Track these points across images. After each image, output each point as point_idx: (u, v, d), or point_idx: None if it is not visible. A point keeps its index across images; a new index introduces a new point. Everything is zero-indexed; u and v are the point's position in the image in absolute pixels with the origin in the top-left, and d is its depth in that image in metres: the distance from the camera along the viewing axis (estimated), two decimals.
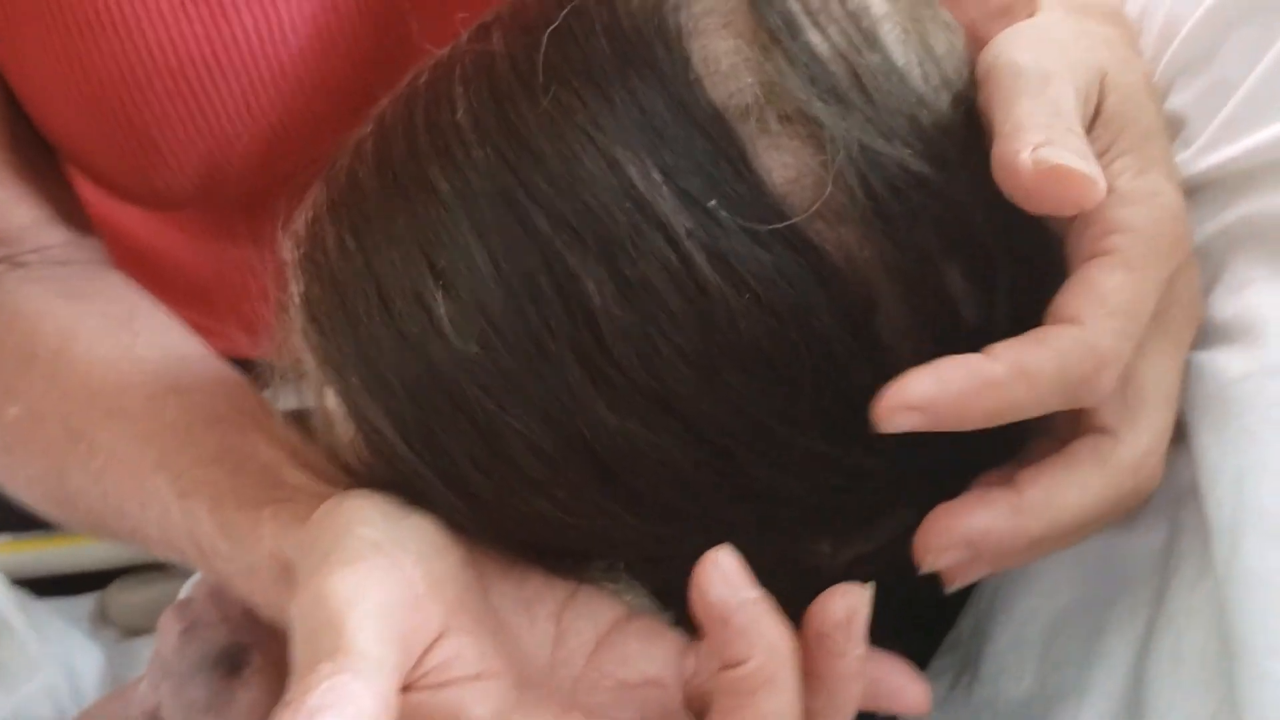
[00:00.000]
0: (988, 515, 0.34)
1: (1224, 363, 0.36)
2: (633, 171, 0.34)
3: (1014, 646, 0.40)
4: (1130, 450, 0.35)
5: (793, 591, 0.33)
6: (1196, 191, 0.39)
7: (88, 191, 0.59)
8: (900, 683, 0.35)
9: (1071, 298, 0.33)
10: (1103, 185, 0.33)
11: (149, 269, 0.68)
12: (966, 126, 0.36)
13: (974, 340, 0.33)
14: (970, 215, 0.35)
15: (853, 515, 0.38)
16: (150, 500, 0.45)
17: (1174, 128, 0.40)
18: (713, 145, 0.34)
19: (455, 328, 0.34)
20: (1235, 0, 0.40)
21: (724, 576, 0.32)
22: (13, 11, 0.50)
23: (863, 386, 0.33)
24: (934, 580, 0.37)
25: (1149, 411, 0.35)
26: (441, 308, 0.34)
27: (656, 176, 0.33)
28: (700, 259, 0.33)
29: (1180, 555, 0.37)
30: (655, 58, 0.35)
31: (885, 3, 0.37)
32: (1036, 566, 0.40)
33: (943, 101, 0.36)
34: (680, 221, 0.33)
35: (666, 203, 0.33)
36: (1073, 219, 0.35)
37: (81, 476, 0.48)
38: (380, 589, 0.34)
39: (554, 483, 0.36)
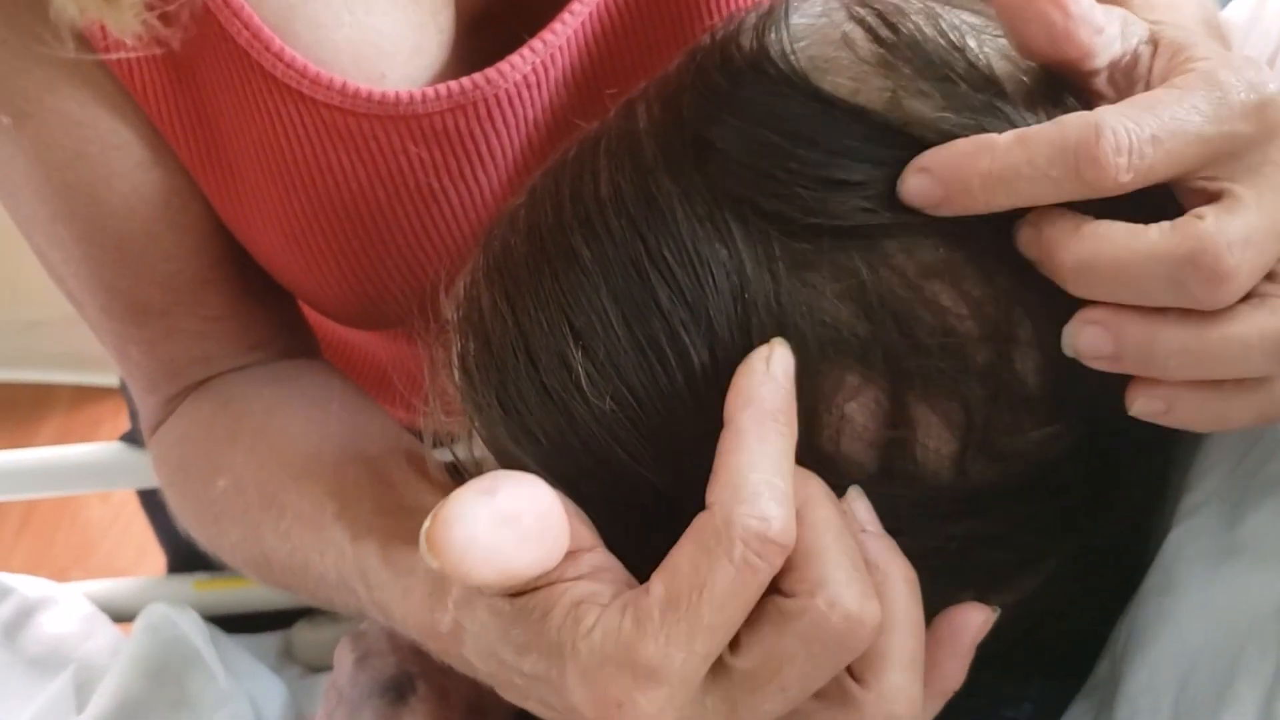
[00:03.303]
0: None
1: None
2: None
3: (1147, 690, 0.40)
4: (1220, 224, 0.33)
5: None
6: None
7: None
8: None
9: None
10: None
11: (340, 355, 0.74)
12: None
13: None
14: None
15: (995, 573, 0.39)
16: (328, 548, 0.48)
17: None
18: (863, 123, 0.36)
19: (591, 384, 0.37)
20: None
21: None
22: (243, 197, 0.53)
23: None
24: (1076, 624, 0.38)
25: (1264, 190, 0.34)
26: (580, 366, 0.37)
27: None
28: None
29: None
30: (769, 75, 0.37)
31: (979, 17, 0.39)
32: (1169, 610, 0.40)
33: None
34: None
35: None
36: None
37: (273, 537, 0.51)
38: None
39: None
